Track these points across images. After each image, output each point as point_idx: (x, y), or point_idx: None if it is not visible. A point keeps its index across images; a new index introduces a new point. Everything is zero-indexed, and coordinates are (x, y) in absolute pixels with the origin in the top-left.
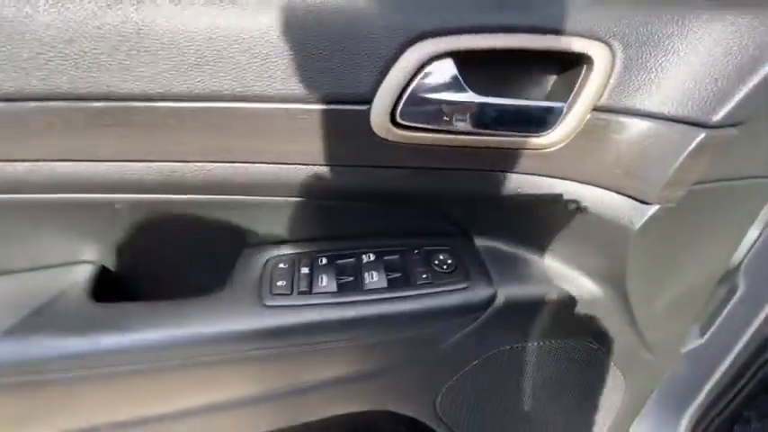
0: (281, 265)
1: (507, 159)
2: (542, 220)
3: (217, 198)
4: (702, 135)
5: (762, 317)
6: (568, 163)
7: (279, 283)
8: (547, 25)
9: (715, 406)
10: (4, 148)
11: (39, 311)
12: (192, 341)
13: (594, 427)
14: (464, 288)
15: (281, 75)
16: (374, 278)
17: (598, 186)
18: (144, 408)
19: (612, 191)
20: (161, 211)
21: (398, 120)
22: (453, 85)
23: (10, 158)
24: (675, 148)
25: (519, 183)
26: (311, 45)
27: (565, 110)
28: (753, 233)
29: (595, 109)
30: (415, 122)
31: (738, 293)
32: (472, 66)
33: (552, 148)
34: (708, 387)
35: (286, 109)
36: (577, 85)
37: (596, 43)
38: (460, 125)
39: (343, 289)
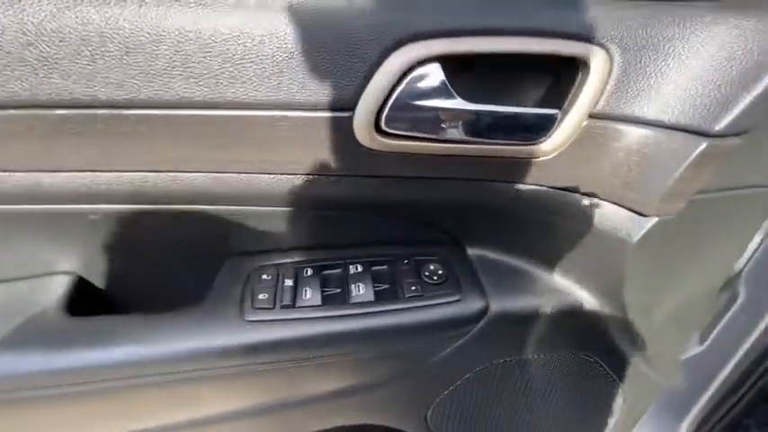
0: (265, 277)
1: (499, 169)
2: (537, 230)
3: (195, 208)
4: (704, 145)
5: (762, 325)
6: (563, 172)
7: (261, 297)
8: (540, 28)
9: (715, 414)
10: None
11: (11, 325)
12: (169, 357)
13: None
14: (455, 301)
15: (256, 80)
16: (361, 290)
17: (594, 197)
18: (121, 426)
19: (609, 201)
20: (137, 221)
21: (383, 127)
22: (441, 92)
23: None
24: (676, 158)
25: (512, 193)
26: (289, 48)
27: (559, 117)
28: (754, 240)
29: (591, 116)
30: (400, 130)
31: (739, 301)
32: (461, 71)
33: (546, 157)
34: (708, 395)
35: (263, 116)
36: (572, 91)
37: (592, 47)
38: (449, 133)
39: (328, 302)
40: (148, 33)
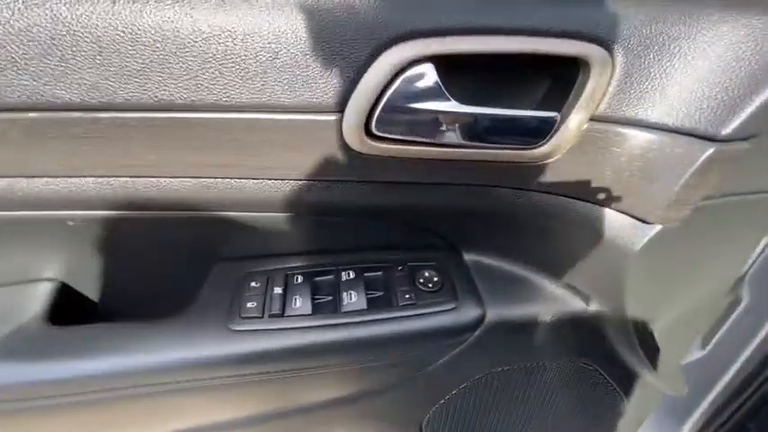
0: (253, 284)
1: (496, 174)
2: (535, 236)
3: (180, 214)
4: (711, 150)
5: (765, 330)
6: (562, 178)
7: (249, 305)
8: (538, 26)
9: (717, 418)
10: None
11: None
12: (152, 367)
13: None
14: (451, 309)
15: (238, 81)
16: (353, 299)
17: (595, 203)
18: None
19: (611, 208)
20: (120, 227)
21: (374, 131)
22: (434, 93)
23: None
24: (681, 164)
25: (509, 198)
26: (273, 48)
27: (558, 120)
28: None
29: (592, 119)
30: (391, 134)
31: (742, 305)
32: (455, 71)
33: (544, 162)
34: (710, 399)
35: (247, 119)
36: (572, 93)
37: (593, 46)
38: (443, 137)
39: (318, 311)
40: (123, 32)
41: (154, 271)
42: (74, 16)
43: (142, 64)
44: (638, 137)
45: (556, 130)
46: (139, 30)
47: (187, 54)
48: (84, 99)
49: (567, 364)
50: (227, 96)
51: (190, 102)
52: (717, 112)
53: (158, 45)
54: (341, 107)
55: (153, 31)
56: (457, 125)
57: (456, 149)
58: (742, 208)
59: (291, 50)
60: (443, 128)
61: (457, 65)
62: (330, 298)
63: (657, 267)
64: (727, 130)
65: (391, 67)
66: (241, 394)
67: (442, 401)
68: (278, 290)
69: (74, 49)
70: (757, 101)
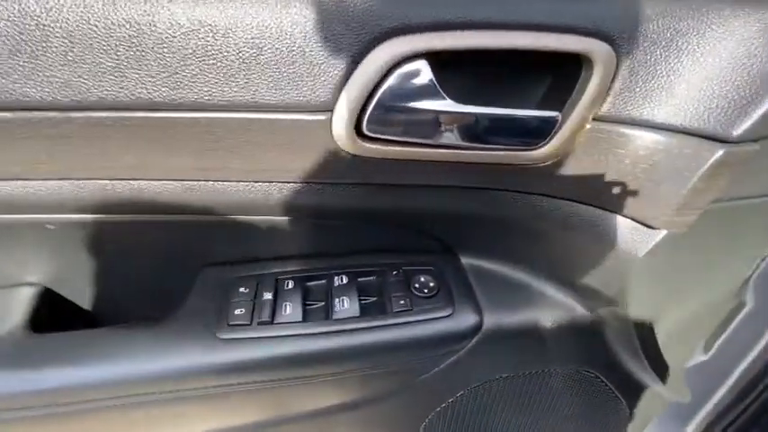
0: (242, 290)
1: (494, 176)
2: (535, 240)
3: (164, 218)
4: (721, 152)
5: None
6: (563, 180)
7: (237, 312)
8: (538, 21)
9: (719, 423)
10: None
11: None
12: (136, 377)
13: None
14: (447, 316)
15: (220, 78)
16: (345, 305)
17: (598, 207)
18: None
19: (614, 212)
20: (102, 231)
21: (365, 131)
22: (428, 92)
23: None
24: (689, 167)
25: (508, 201)
26: (257, 43)
27: (559, 120)
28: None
29: (595, 119)
30: (383, 134)
31: (746, 309)
32: (451, 68)
33: (545, 164)
34: (712, 403)
35: (230, 119)
36: (574, 92)
37: (597, 41)
38: (437, 138)
39: (309, 318)
40: (96, 26)
41: (138, 276)
42: (43, 9)
43: (117, 60)
44: (644, 138)
45: (557, 131)
46: (113, 24)
47: (165, 50)
48: (56, 98)
49: (568, 371)
50: (209, 95)
51: (169, 100)
52: (727, 111)
53: (134, 40)
54: (330, 106)
55: (128, 26)
56: (452, 125)
57: (452, 151)
58: (750, 211)
59: (276, 46)
60: (438, 128)
61: (452, 61)
62: (322, 304)
63: (662, 273)
64: (738, 131)
65: (383, 63)
66: (229, 404)
67: (439, 409)
68: (267, 295)
69: (44, 44)
70: None
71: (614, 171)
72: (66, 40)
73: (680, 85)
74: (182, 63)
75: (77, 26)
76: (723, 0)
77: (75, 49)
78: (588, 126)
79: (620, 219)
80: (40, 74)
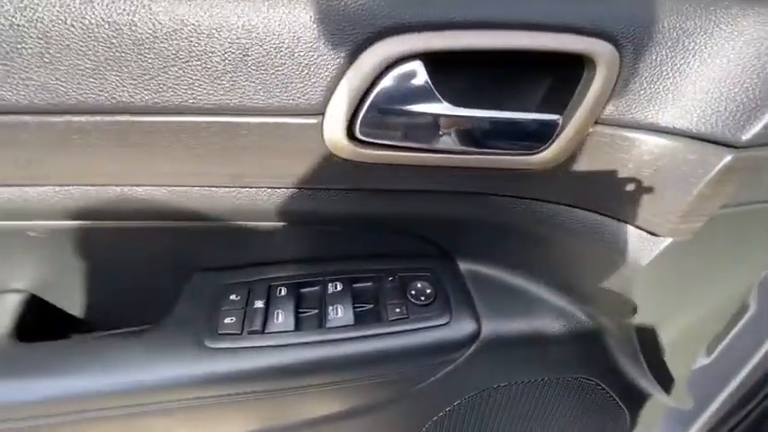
0: (233, 297)
1: (493, 182)
2: (535, 246)
3: (151, 224)
4: (729, 157)
5: None
6: (565, 186)
7: (227, 321)
8: (538, 20)
9: (721, 427)
10: None
11: None
12: (124, 388)
13: None
14: (444, 324)
15: (206, 81)
16: (339, 313)
17: (600, 213)
18: None
19: (617, 219)
20: (88, 237)
21: (358, 135)
22: (423, 94)
23: None
24: (695, 172)
25: (507, 206)
26: (243, 43)
27: (561, 123)
28: None
29: (598, 122)
30: (377, 138)
31: (749, 313)
32: (447, 70)
33: (546, 169)
34: (714, 407)
35: (217, 122)
36: (576, 94)
37: (599, 41)
38: (433, 142)
39: (302, 326)
40: (73, 26)
41: (127, 283)
42: (17, 9)
43: (96, 62)
44: (649, 142)
45: (558, 135)
46: (91, 24)
47: (146, 51)
48: (33, 101)
49: (568, 379)
50: (194, 98)
51: (152, 104)
52: (736, 115)
53: (113, 41)
54: (321, 109)
55: (106, 26)
56: (449, 129)
57: (448, 156)
58: (757, 217)
59: (264, 46)
60: (434, 132)
61: (449, 62)
62: (315, 312)
63: (666, 280)
64: (746, 136)
65: (376, 64)
66: (218, 416)
67: (436, 419)
68: (259, 303)
69: (18, 45)
70: None
71: (617, 177)
72: (42, 41)
73: (686, 87)
74: (164, 65)
75: (53, 26)
76: None
77: (51, 51)
78: (590, 130)
79: (622, 226)
80: (15, 76)
